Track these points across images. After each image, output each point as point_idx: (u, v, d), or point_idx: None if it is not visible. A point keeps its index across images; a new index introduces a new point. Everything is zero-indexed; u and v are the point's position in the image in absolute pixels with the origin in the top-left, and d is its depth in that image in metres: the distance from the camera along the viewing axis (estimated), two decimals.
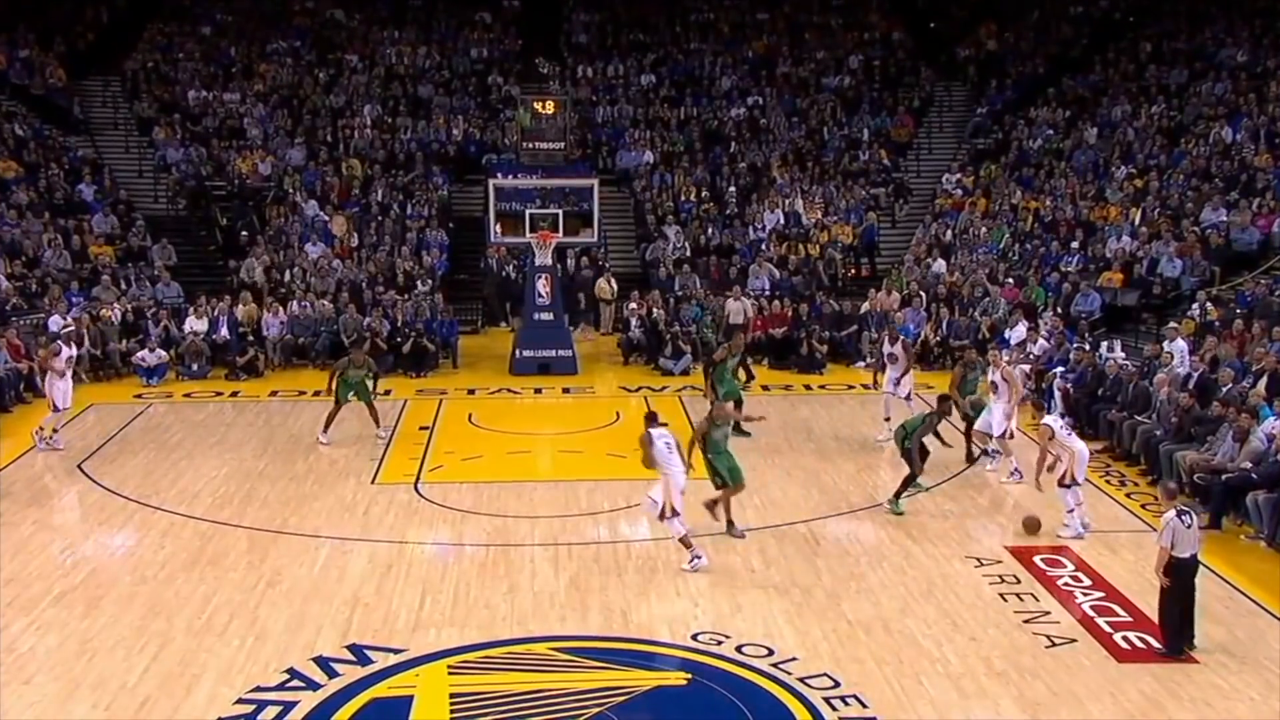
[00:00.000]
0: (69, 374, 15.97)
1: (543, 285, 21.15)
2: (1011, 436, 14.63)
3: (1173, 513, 9.39)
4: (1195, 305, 19.39)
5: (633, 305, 22.84)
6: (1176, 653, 9.52)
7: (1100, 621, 10.27)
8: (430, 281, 24.05)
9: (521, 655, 9.66)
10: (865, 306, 22.61)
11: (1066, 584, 11.12)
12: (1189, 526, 9.36)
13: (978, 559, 11.79)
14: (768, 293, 23.30)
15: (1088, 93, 29.39)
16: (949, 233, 26.28)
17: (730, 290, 23.07)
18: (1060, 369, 17.68)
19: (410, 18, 33.84)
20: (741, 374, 18.05)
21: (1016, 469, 14.37)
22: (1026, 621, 10.28)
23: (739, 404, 17.24)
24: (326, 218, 26.30)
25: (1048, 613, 10.48)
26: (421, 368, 21.02)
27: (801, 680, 9.19)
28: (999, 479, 14.54)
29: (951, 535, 12.50)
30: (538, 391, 19.80)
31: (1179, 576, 9.41)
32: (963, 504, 13.64)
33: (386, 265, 24.46)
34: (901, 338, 17.48)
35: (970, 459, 15.04)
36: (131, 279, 23.36)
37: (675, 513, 11.34)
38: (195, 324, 21.16)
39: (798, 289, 23.75)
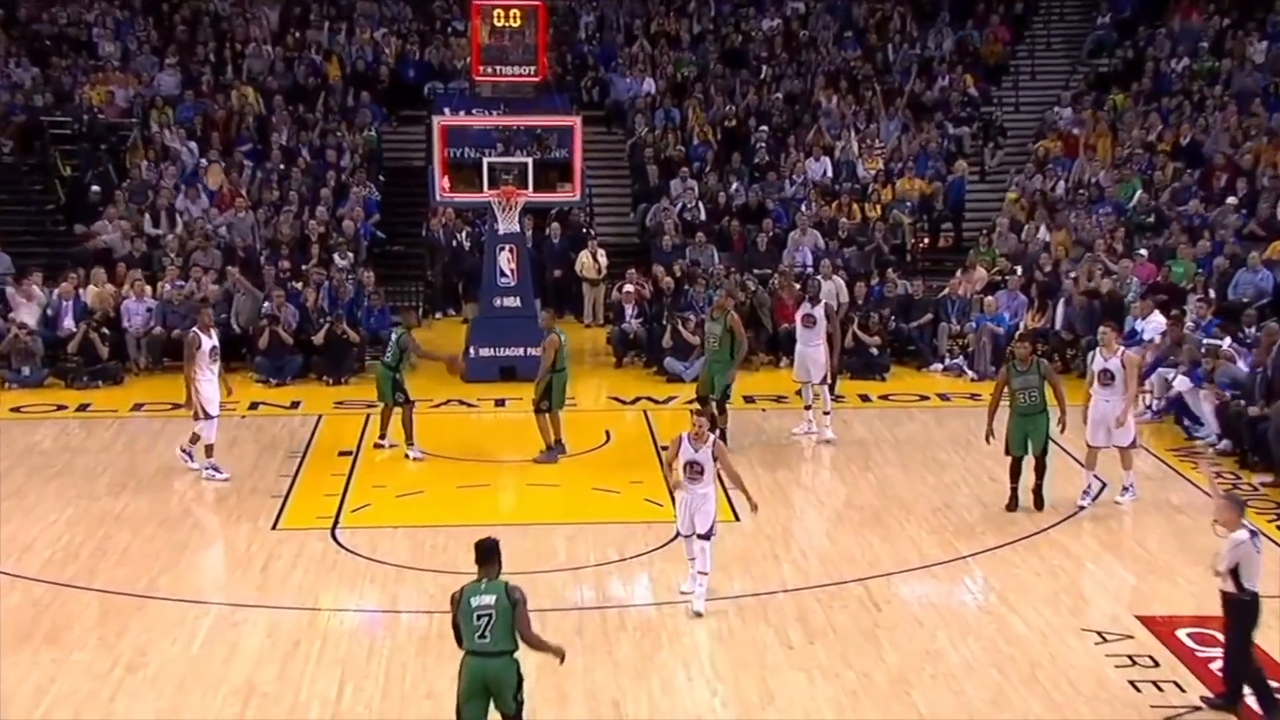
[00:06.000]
0: None
1: (506, 261, 21.12)
2: (1134, 445, 15.34)
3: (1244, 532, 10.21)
4: None
5: (629, 288, 22.84)
6: None
7: None
8: (353, 254, 24.08)
9: None
10: (945, 290, 22.61)
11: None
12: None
13: (1099, 632, 11.81)
14: (810, 269, 23.26)
15: None
16: (1058, 187, 26.33)
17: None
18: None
19: None
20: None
21: (1131, 485, 15.25)
22: None
23: None
24: (208, 164, 26.34)
25: (1198, 709, 10.47)
26: (340, 370, 21.05)
27: None
28: (1114, 499, 15.31)
29: (1063, 598, 12.52)
30: (499, 404, 19.81)
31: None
32: (1078, 555, 13.65)
33: (293, 231, 24.46)
34: (825, 300, 18.45)
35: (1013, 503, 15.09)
36: None
37: None
38: (25, 311, 21.14)
39: (852, 264, 23.77)
